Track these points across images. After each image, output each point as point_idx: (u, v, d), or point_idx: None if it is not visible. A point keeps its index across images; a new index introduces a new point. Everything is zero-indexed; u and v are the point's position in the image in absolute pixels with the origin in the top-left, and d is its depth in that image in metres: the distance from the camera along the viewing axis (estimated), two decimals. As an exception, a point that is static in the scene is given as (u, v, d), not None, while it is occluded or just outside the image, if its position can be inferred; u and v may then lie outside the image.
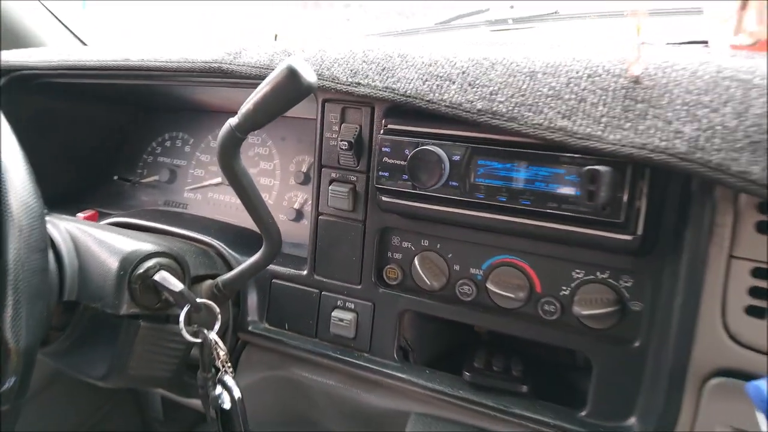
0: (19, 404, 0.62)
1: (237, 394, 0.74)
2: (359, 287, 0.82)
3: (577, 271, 0.70)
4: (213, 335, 0.74)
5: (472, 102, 0.65)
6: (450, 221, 0.73)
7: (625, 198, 0.60)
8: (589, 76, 0.62)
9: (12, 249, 0.57)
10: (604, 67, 0.62)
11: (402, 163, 0.71)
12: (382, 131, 0.75)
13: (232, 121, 0.65)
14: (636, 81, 0.59)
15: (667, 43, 0.88)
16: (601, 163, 0.60)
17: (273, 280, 0.88)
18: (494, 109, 0.64)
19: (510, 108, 0.63)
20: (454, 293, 0.76)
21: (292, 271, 0.87)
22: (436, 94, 0.68)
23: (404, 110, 0.73)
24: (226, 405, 0.74)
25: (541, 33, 1.18)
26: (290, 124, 1.10)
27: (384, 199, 0.75)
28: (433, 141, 0.70)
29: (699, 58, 0.60)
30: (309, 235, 0.85)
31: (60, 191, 1.23)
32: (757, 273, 0.56)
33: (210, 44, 0.91)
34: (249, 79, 0.82)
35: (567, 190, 0.63)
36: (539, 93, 0.63)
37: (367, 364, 0.81)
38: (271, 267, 0.87)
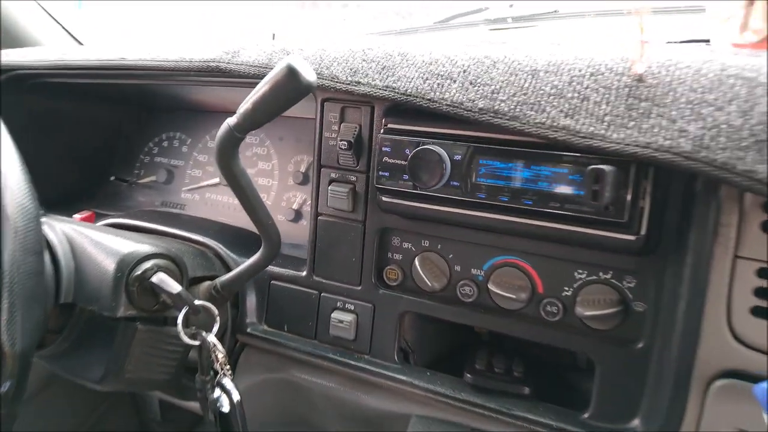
0: (16, 408, 0.62)
1: (236, 397, 0.73)
2: (359, 288, 0.81)
3: (580, 271, 0.69)
4: (211, 338, 0.73)
5: (473, 101, 0.65)
6: (451, 221, 0.72)
7: (629, 197, 0.59)
8: (591, 74, 0.61)
9: (7, 251, 0.56)
10: (606, 66, 0.61)
11: (402, 162, 0.71)
12: (382, 131, 0.74)
13: (231, 120, 0.64)
14: (639, 79, 0.59)
15: (668, 42, 0.87)
16: (605, 162, 0.59)
17: (272, 282, 0.88)
18: (496, 108, 0.63)
19: (512, 107, 0.62)
20: (455, 294, 0.75)
21: (292, 272, 0.86)
22: (437, 93, 0.67)
23: (404, 109, 0.72)
24: (225, 408, 0.73)
25: (540, 32, 1.17)
26: (288, 123, 1.09)
27: (384, 199, 0.74)
28: (433, 140, 0.69)
29: (702, 57, 0.59)
30: (308, 235, 0.84)
31: (56, 192, 1.22)
32: (762, 273, 0.56)
33: (207, 43, 0.90)
34: (247, 78, 0.82)
35: (570, 190, 0.62)
36: (541, 92, 0.62)
37: (368, 366, 0.80)
38: (270, 268, 0.86)
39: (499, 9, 1.27)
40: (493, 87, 0.65)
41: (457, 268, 0.75)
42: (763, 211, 0.56)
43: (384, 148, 0.72)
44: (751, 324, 0.56)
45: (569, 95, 0.61)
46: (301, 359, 0.85)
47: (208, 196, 1.18)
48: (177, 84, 1.00)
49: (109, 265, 0.69)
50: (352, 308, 0.82)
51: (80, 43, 1.43)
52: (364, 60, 0.75)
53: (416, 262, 0.77)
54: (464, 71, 0.67)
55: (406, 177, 0.71)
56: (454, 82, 0.67)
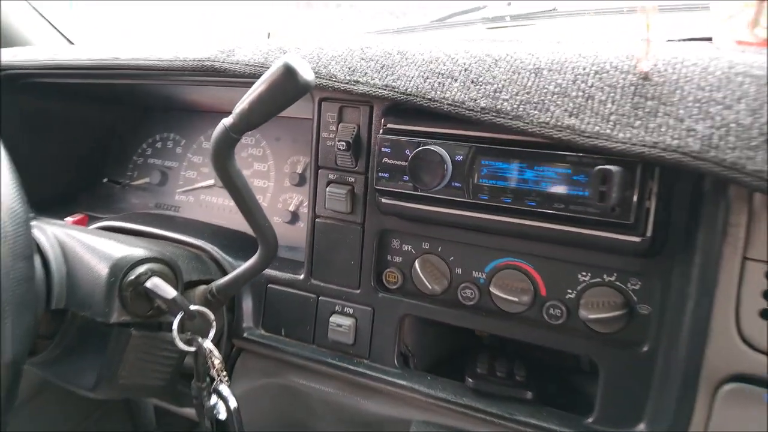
0: (6, 417, 0.60)
1: (233, 404, 0.72)
2: (358, 292, 0.79)
3: (583, 273, 0.68)
4: (208, 343, 0.71)
5: (475, 100, 0.63)
6: (452, 223, 0.70)
7: (635, 198, 0.58)
8: (596, 72, 0.60)
9: (-5, 257, 0.54)
10: (611, 64, 0.60)
11: (402, 163, 0.69)
12: (381, 131, 0.72)
13: (227, 121, 0.62)
14: (645, 77, 0.57)
15: (668, 40, 0.86)
16: (610, 162, 0.58)
17: (269, 285, 0.86)
18: (498, 107, 0.62)
19: (515, 106, 0.61)
20: (456, 297, 0.74)
21: (289, 275, 0.85)
22: (438, 92, 0.66)
23: (404, 109, 0.71)
24: (222, 415, 0.72)
25: (539, 30, 1.16)
26: (285, 124, 1.08)
27: (384, 200, 0.73)
28: (434, 140, 0.68)
29: (708, 54, 0.58)
30: (306, 238, 0.82)
31: (47, 194, 1.20)
32: (771, 275, 0.55)
33: (202, 42, 0.89)
34: (243, 77, 0.80)
35: (574, 191, 0.61)
36: (545, 90, 0.61)
37: (367, 371, 0.79)
38: (267, 271, 0.84)
39: (497, 7, 1.25)
40: (495, 86, 0.63)
41: (458, 270, 0.74)
42: (772, 212, 0.54)
43: (383, 149, 0.71)
44: (759, 327, 0.55)
45: (573, 94, 0.59)
46: (299, 364, 0.84)
47: (203, 198, 1.17)
48: (171, 84, 0.99)
49: (102, 269, 0.67)
50: (351, 312, 0.80)
51: (72, 43, 1.42)
52: (362, 59, 0.73)
53: (416, 264, 0.75)
54: (465, 70, 0.66)
55: (406, 178, 0.69)
56: (455, 80, 0.66)
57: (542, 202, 0.63)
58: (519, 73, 0.63)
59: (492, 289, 0.71)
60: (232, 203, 0.71)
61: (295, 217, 1.05)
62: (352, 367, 0.79)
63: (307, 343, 0.83)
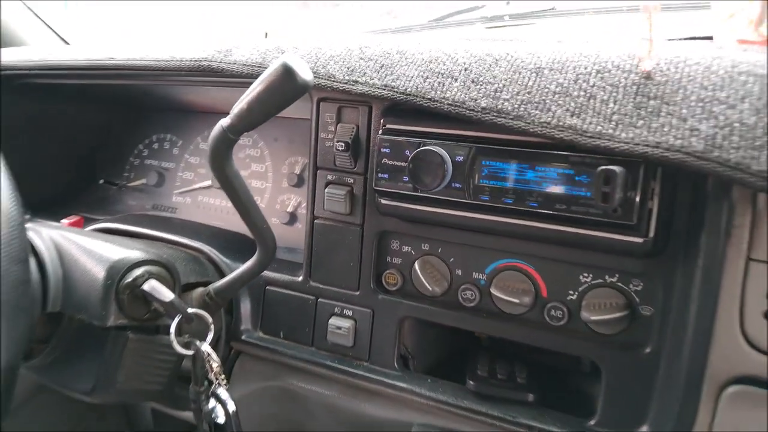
0: (2, 421, 0.59)
1: (231, 407, 0.71)
2: (357, 293, 0.79)
3: (585, 274, 0.67)
4: (206, 346, 0.71)
5: (475, 100, 0.63)
6: (453, 224, 0.70)
7: (638, 199, 0.57)
8: (598, 71, 0.59)
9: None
10: (613, 63, 0.60)
11: (402, 164, 0.69)
12: (380, 131, 0.72)
13: (224, 121, 0.62)
14: (647, 77, 0.57)
15: (669, 39, 0.86)
16: (612, 162, 0.57)
17: (267, 287, 0.85)
18: (499, 107, 0.61)
19: (516, 106, 0.60)
20: (456, 299, 0.73)
21: (287, 277, 0.84)
22: (438, 92, 0.65)
23: (403, 109, 0.70)
24: (221, 419, 0.71)
25: (537, 30, 1.16)
26: (282, 124, 1.07)
27: (383, 201, 0.72)
28: (434, 141, 0.67)
29: (711, 53, 0.58)
30: (304, 239, 0.82)
31: (43, 196, 1.20)
32: (776, 276, 0.54)
33: (199, 42, 0.88)
34: (240, 78, 0.79)
35: (576, 191, 0.60)
36: (546, 90, 0.60)
37: (367, 374, 0.78)
38: (265, 273, 0.83)
39: (495, 7, 1.25)
40: (495, 85, 0.63)
41: (459, 272, 0.73)
42: (776, 212, 0.54)
43: (383, 149, 0.70)
44: (764, 328, 0.55)
45: (575, 93, 0.59)
46: (297, 367, 0.83)
47: (200, 199, 1.16)
48: (167, 84, 0.98)
49: (99, 272, 0.66)
50: (351, 314, 0.79)
51: (67, 43, 1.41)
52: (361, 58, 0.72)
53: (416, 266, 0.75)
54: (465, 69, 0.65)
55: (405, 179, 0.69)
56: (456, 80, 0.65)
57: (543, 203, 0.62)
58: (520, 73, 0.63)
59: (493, 291, 0.71)
60: (229, 204, 0.70)
61: (293, 218, 1.04)
62: (351, 370, 0.79)
63: (306, 345, 0.83)
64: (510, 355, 0.82)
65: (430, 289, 0.74)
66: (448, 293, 0.74)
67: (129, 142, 1.27)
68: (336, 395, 0.82)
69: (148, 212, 1.19)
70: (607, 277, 0.66)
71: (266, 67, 0.59)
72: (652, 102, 0.55)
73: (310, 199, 0.80)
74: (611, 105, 0.57)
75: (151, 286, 0.68)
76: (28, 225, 0.63)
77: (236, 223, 0.85)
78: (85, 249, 0.70)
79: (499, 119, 0.61)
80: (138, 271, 0.68)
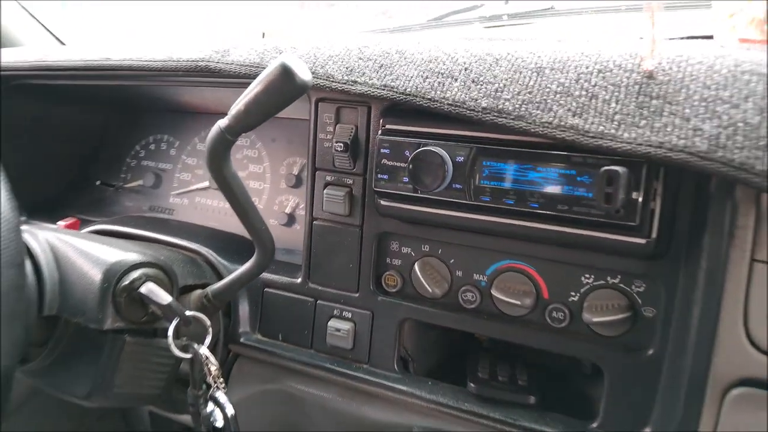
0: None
1: (230, 411, 0.71)
2: (357, 295, 0.78)
3: (587, 276, 0.67)
4: (204, 349, 0.70)
5: (476, 100, 0.62)
6: (453, 225, 0.69)
7: (640, 200, 0.57)
8: (599, 71, 0.59)
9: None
10: (615, 62, 0.59)
11: (402, 165, 0.68)
12: (380, 131, 0.71)
13: (222, 122, 0.61)
14: (650, 76, 0.56)
15: (669, 39, 0.85)
16: (614, 163, 0.57)
17: (265, 289, 0.85)
18: (500, 107, 0.61)
19: (517, 106, 0.60)
20: (456, 301, 0.73)
21: (286, 279, 0.83)
22: (438, 92, 0.64)
23: (403, 109, 0.70)
24: (219, 423, 0.71)
25: (536, 29, 1.15)
26: (281, 124, 1.06)
27: (383, 202, 0.72)
28: (434, 141, 0.66)
29: (713, 52, 0.57)
30: (303, 241, 0.81)
31: (39, 198, 1.19)
32: (780, 277, 0.54)
33: (196, 43, 0.87)
34: (238, 78, 0.79)
35: (578, 192, 0.60)
36: (547, 90, 0.60)
37: (366, 376, 0.77)
38: (264, 275, 0.83)
39: (494, 6, 1.24)
40: (496, 85, 0.62)
41: (459, 273, 0.73)
42: (780, 213, 0.53)
43: (382, 150, 0.70)
44: (768, 330, 0.54)
45: (577, 93, 0.58)
46: (296, 369, 0.82)
47: (197, 201, 1.15)
48: (164, 84, 0.97)
49: (95, 275, 0.66)
50: (350, 316, 0.79)
51: (63, 43, 1.40)
52: (360, 58, 0.72)
53: (416, 267, 0.74)
54: (466, 69, 0.65)
55: (405, 179, 0.68)
56: (456, 80, 0.64)
57: (545, 204, 0.62)
58: (521, 72, 0.62)
59: (493, 292, 0.70)
60: (227, 205, 0.69)
61: (291, 219, 1.04)
62: (351, 372, 0.78)
63: (305, 348, 0.82)
64: (511, 357, 0.82)
65: (431, 290, 0.73)
66: (449, 295, 0.73)
67: (126, 143, 1.26)
68: (335, 398, 0.81)
69: (145, 214, 1.18)
70: (609, 279, 0.66)
71: (264, 68, 0.59)
72: (654, 102, 0.55)
73: (309, 200, 0.80)
74: (613, 105, 0.56)
75: (149, 288, 0.67)
76: (23, 227, 0.62)
77: (234, 225, 0.84)
78: (82, 251, 0.69)
79: (500, 119, 0.60)
80: (135, 274, 0.68)
